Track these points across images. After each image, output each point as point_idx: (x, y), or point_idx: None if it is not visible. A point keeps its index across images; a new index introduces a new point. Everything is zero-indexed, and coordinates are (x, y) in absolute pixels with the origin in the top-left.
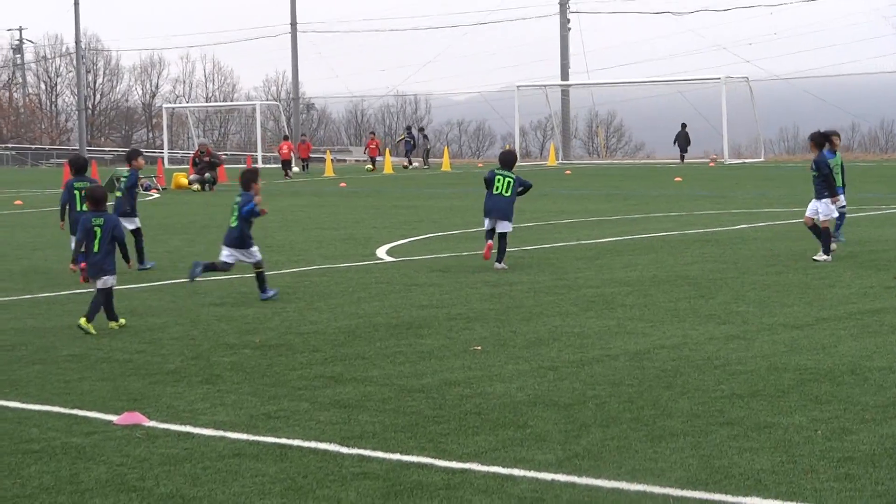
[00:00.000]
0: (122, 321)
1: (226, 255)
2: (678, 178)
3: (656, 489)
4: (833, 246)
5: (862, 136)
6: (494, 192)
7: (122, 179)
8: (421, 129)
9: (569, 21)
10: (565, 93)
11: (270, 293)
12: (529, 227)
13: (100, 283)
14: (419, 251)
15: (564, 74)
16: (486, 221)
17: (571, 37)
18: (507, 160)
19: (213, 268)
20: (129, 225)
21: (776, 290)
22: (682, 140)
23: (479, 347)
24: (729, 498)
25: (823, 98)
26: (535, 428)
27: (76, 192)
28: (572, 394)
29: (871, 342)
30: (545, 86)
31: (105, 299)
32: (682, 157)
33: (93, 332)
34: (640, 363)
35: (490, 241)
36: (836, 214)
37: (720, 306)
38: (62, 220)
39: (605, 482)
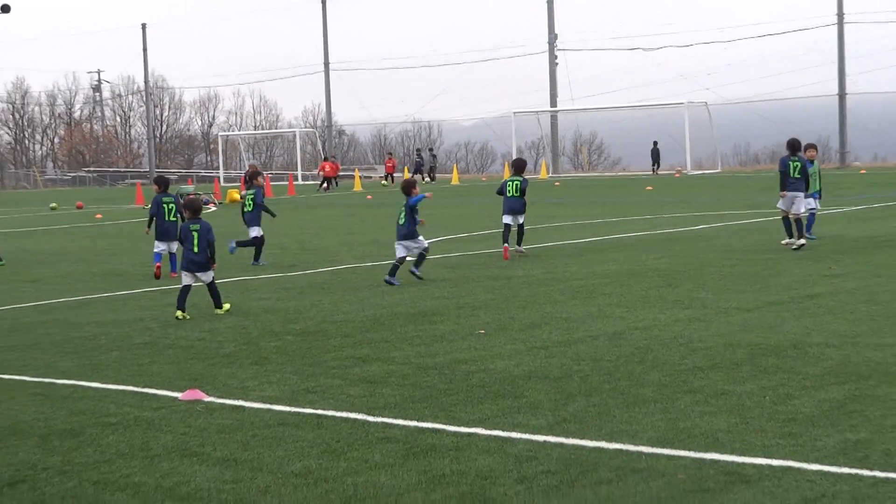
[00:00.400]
0: (227, 306)
1: (399, 249)
2: (649, 188)
3: (631, 447)
4: (802, 241)
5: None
6: (508, 195)
7: (249, 196)
8: (430, 150)
9: (556, 57)
10: (554, 117)
11: (416, 270)
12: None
13: (204, 278)
14: (433, 252)
15: (553, 102)
16: (505, 217)
17: (559, 70)
18: (519, 166)
19: (395, 268)
20: (254, 232)
21: (731, 280)
22: (654, 155)
23: (483, 331)
24: (692, 454)
25: (770, 118)
26: (530, 398)
27: (164, 205)
28: (560, 369)
29: (810, 322)
30: (537, 112)
31: (211, 290)
32: (654, 170)
33: (227, 309)
34: (618, 342)
35: (506, 245)
36: (802, 209)
37: (684, 294)
38: (148, 227)
39: (588, 442)
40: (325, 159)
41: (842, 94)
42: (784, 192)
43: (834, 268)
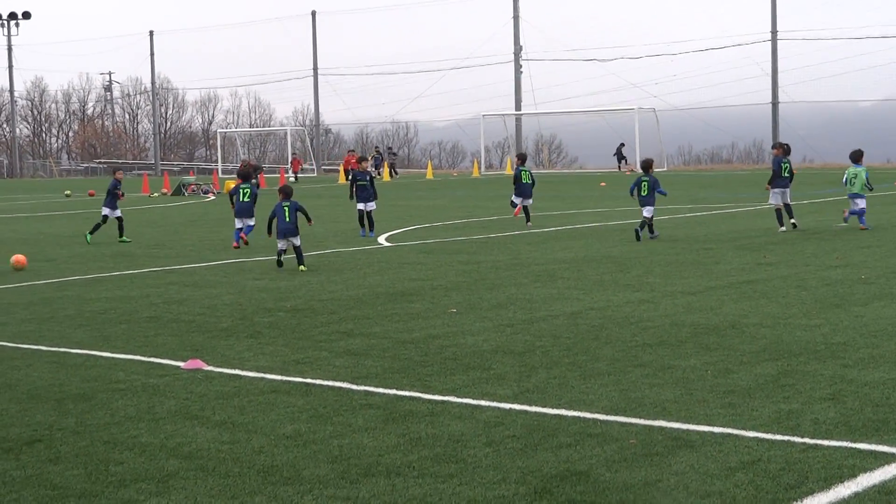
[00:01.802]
0: (304, 268)
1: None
2: (603, 184)
3: (587, 415)
4: (792, 222)
5: (739, 152)
6: (523, 181)
7: (245, 189)
8: (389, 148)
9: (521, 67)
10: (518, 120)
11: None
12: (492, 220)
13: (295, 241)
14: (410, 238)
15: (518, 106)
16: (518, 199)
17: (523, 78)
18: (523, 158)
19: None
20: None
21: (676, 266)
22: (619, 154)
23: (455, 310)
24: (642, 421)
25: (711, 124)
26: (497, 370)
27: (241, 190)
28: (524, 344)
29: (746, 304)
30: (504, 115)
31: (298, 251)
32: (620, 167)
33: (304, 269)
34: (575, 321)
35: (518, 208)
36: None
37: (635, 278)
38: (232, 205)
39: (549, 410)
40: (350, 152)
41: (775, 103)
42: (771, 187)
43: (768, 257)
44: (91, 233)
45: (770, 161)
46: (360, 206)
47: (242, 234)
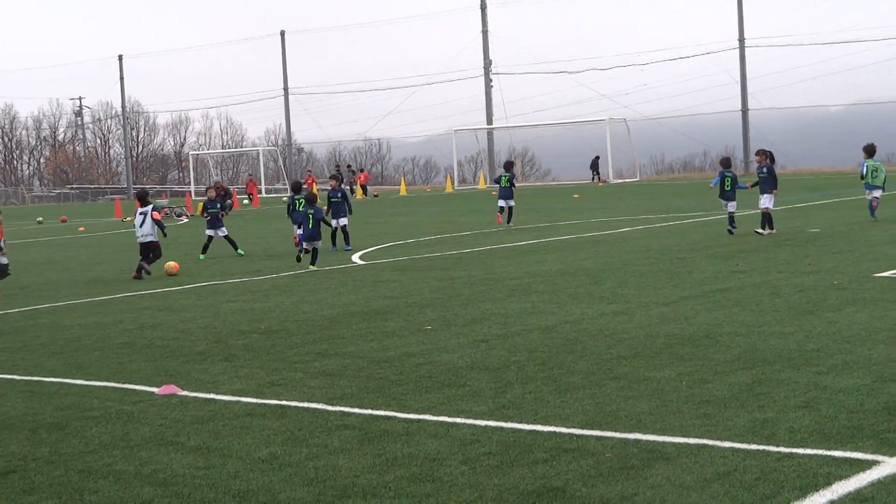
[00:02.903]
0: (314, 267)
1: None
2: (576, 195)
3: (563, 429)
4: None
5: (712, 160)
6: (503, 185)
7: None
8: (349, 166)
9: (491, 81)
10: (490, 134)
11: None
12: (466, 234)
13: (316, 245)
14: (383, 256)
15: (489, 120)
16: (500, 202)
17: (494, 92)
18: (508, 165)
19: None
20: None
21: (650, 277)
22: (595, 166)
23: (430, 327)
24: (618, 434)
25: (682, 132)
26: (472, 386)
27: (296, 201)
28: (499, 360)
29: (720, 314)
30: (476, 129)
31: (315, 252)
32: (594, 178)
33: (314, 268)
34: (550, 335)
35: (500, 214)
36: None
37: (609, 290)
38: (288, 215)
39: (525, 426)
40: (361, 170)
41: (744, 110)
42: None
43: (741, 265)
44: (203, 252)
45: (755, 169)
46: (334, 222)
47: (296, 239)
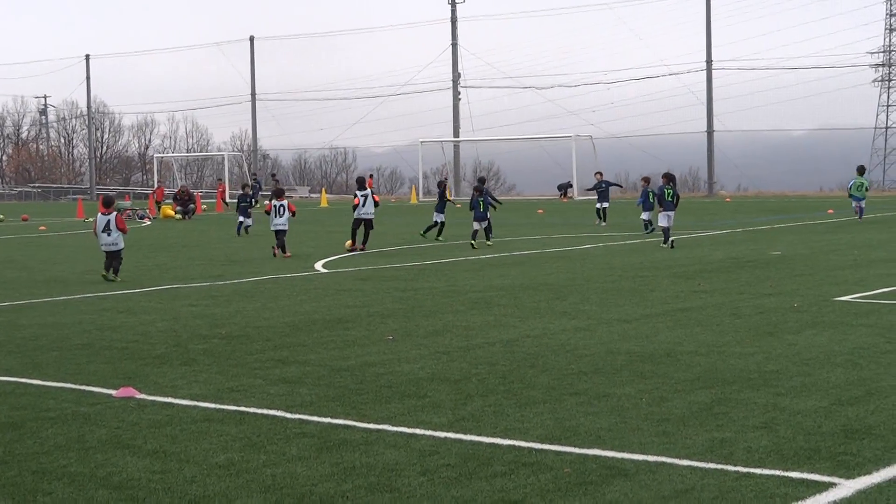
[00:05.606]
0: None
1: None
2: (540, 210)
3: (523, 443)
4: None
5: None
6: (479, 209)
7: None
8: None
9: (459, 93)
10: (457, 147)
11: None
12: (428, 247)
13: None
14: (347, 265)
15: (456, 133)
16: (475, 224)
17: (461, 105)
18: (481, 186)
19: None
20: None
21: (612, 294)
22: (565, 184)
23: (391, 337)
24: (577, 450)
25: (647, 152)
26: (433, 398)
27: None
28: (460, 372)
29: (681, 332)
30: (442, 141)
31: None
32: (561, 196)
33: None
34: (512, 348)
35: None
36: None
37: (571, 306)
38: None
39: (484, 438)
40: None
41: (710, 131)
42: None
43: (702, 285)
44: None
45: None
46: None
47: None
